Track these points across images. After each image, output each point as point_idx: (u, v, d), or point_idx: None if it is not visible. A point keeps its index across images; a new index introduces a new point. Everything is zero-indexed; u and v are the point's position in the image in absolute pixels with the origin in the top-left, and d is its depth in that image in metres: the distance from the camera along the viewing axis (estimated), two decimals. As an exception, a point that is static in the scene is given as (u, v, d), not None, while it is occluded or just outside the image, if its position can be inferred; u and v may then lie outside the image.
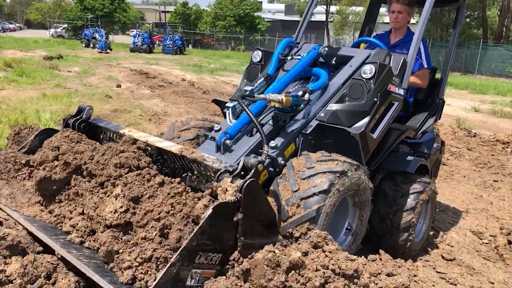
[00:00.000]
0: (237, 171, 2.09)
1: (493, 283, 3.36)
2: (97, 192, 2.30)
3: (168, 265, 1.76)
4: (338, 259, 1.81)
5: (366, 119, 2.85)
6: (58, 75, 13.92)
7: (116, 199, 2.13)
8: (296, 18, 56.34)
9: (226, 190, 1.99)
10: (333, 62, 3.33)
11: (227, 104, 3.10)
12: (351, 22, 41.15)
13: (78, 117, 3.14)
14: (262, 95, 2.75)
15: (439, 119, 4.08)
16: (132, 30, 49.81)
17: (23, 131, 3.67)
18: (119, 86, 12.58)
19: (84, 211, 2.23)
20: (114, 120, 7.79)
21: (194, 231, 1.84)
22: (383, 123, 3.03)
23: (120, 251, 1.94)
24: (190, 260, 1.83)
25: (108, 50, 29.31)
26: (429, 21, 33.17)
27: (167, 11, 59.31)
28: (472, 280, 3.38)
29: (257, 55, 3.57)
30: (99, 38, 31.12)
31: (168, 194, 2.13)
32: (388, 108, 3.06)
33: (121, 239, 2.02)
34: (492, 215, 4.81)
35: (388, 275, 2.10)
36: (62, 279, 1.75)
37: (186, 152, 2.34)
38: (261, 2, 57.61)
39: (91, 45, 31.85)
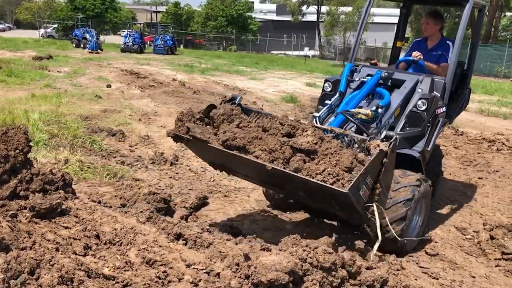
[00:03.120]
0: (382, 137, 3.06)
1: (474, 277, 3.44)
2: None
3: (358, 175, 2.71)
4: (317, 253, 1.86)
5: (423, 140, 3.94)
6: (48, 76, 13.85)
7: (308, 136, 3.06)
8: (287, 18, 56.44)
9: (378, 145, 2.92)
10: (389, 83, 4.19)
11: (314, 114, 3.92)
12: (341, 23, 41.28)
13: (232, 102, 3.70)
14: (355, 110, 3.72)
15: (467, 104, 4.98)
16: (123, 30, 49.56)
17: (10, 131, 3.68)
18: (109, 86, 12.55)
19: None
20: (103, 120, 7.80)
21: (369, 161, 2.81)
22: (434, 136, 4.11)
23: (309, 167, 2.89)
24: (364, 178, 2.77)
25: (99, 50, 29.17)
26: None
27: (159, 11, 59.07)
28: (454, 274, 3.45)
29: (328, 86, 4.41)
30: (90, 38, 30.95)
31: (338, 145, 3.05)
32: (437, 125, 4.14)
33: (308, 160, 2.98)
34: (476, 211, 4.90)
35: (368, 268, 2.16)
36: (45, 274, 1.78)
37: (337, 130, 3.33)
38: (252, 2, 57.65)
39: (82, 45, 31.67)
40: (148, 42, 41.90)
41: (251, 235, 3.43)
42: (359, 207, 2.80)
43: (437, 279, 3.31)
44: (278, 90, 15.00)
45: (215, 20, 52.49)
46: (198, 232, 2.54)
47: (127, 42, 32.36)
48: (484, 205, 5.11)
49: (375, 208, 2.87)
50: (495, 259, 3.79)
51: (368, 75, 4.28)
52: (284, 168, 2.89)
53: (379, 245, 2.94)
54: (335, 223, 4.18)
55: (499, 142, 7.99)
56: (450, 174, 6.17)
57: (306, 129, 3.17)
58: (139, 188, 4.15)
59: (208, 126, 3.49)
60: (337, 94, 4.11)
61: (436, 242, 4.03)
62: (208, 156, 3.70)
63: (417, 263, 3.54)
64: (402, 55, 5.26)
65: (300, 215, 4.33)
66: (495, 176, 6.28)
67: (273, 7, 73.78)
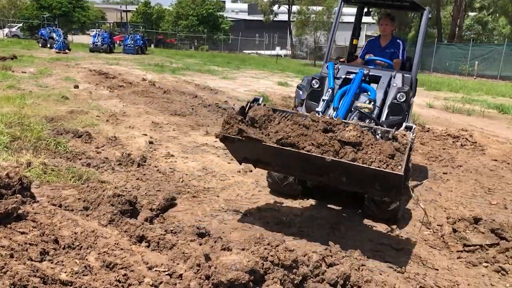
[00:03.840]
0: (403, 128, 3.59)
1: (437, 269, 3.52)
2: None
3: (405, 159, 3.22)
4: (278, 251, 1.86)
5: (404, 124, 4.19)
6: (12, 76, 13.40)
7: (351, 131, 3.43)
8: (259, 17, 56.54)
9: (404, 134, 3.43)
10: (367, 79, 4.68)
11: (317, 109, 4.30)
12: (312, 22, 41.64)
13: (257, 103, 4.00)
14: (364, 104, 4.36)
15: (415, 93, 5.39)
16: (92, 29, 48.51)
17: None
18: (76, 87, 12.25)
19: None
20: (69, 122, 7.61)
21: (408, 148, 3.33)
22: (409, 116, 4.97)
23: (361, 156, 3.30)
24: (408, 161, 3.29)
25: (67, 50, 28.48)
26: (401, 18, 33.88)
27: (129, 11, 58.22)
28: (418, 267, 3.53)
29: (316, 83, 4.83)
30: (57, 37, 30.20)
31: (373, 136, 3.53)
32: (409, 113, 4.88)
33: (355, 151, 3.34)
34: (440, 205, 5.02)
35: (331, 265, 2.17)
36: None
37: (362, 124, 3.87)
38: (224, 2, 57.46)
39: (48, 45, 30.85)
40: (118, 42, 41.15)
41: (219, 235, 3.42)
42: (403, 185, 3.34)
43: (402, 273, 3.37)
44: (250, 90, 15.00)
45: (186, 19, 52.06)
46: (161, 234, 2.50)
47: (96, 42, 31.71)
48: (448, 199, 5.25)
49: (409, 184, 3.53)
50: (457, 251, 3.89)
51: (348, 72, 4.77)
52: (341, 159, 3.32)
53: (377, 216, 4.18)
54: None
55: (463, 138, 8.22)
56: (416, 170, 6.31)
57: (347, 125, 3.58)
58: (104, 191, 4.06)
59: (250, 127, 3.69)
60: (330, 91, 4.53)
61: (401, 236, 4.11)
62: (253, 154, 3.85)
63: (382, 258, 3.60)
64: (358, 52, 5.89)
65: (289, 202, 4.35)
66: (459, 170, 6.46)
67: (245, 6, 73.79)
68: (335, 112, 4.28)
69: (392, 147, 3.37)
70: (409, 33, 36.48)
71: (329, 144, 3.38)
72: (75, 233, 2.37)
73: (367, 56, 5.39)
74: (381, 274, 3.22)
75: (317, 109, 4.32)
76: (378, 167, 3.22)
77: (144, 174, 5.21)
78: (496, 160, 7.10)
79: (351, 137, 3.41)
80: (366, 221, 4.38)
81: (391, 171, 3.20)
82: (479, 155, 7.39)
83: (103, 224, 2.63)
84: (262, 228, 3.94)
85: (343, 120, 3.72)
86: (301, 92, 5.91)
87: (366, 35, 34.46)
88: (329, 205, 4.73)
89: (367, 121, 4.31)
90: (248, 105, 3.90)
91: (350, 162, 3.27)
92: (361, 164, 3.25)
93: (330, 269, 2.09)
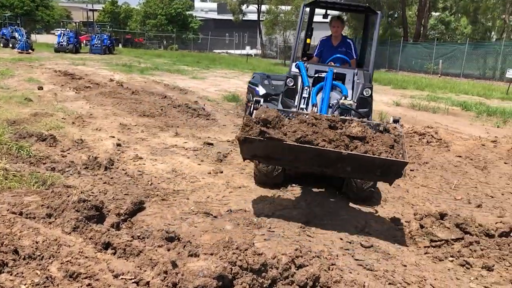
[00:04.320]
0: (392, 121, 4.16)
1: (405, 265, 3.58)
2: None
3: (404, 148, 3.80)
4: (246, 255, 1.83)
5: (370, 117, 4.83)
6: (-30, 78, 12.88)
7: (356, 127, 3.90)
8: (228, 17, 56.38)
9: (395, 127, 4.00)
10: (334, 77, 5.07)
11: (301, 106, 4.90)
12: (281, 21, 41.86)
13: (260, 104, 4.25)
14: (347, 101, 4.74)
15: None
16: (57, 29, 47.17)
17: None
18: (40, 88, 11.88)
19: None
20: (33, 125, 7.36)
21: (403, 138, 3.94)
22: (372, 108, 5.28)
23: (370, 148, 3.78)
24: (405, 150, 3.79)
25: (30, 50, 27.63)
26: (356, 20, 34.75)
27: (95, 10, 56.85)
28: (387, 264, 3.58)
29: (290, 81, 5.14)
30: (19, 37, 29.26)
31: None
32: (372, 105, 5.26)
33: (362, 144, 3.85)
34: (407, 202, 5.13)
35: (300, 266, 2.17)
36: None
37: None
38: (193, 1, 56.98)
39: (10, 45, 29.84)
40: (84, 42, 40.21)
41: (188, 238, 3.37)
42: (403, 171, 3.92)
43: (371, 270, 3.41)
44: (220, 89, 14.92)
45: (154, 18, 51.36)
46: (128, 240, 2.43)
47: (61, 42, 30.89)
48: (415, 196, 5.37)
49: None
50: (425, 247, 3.98)
51: (316, 71, 5.21)
52: (352, 151, 3.74)
53: (354, 197, 4.85)
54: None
55: (429, 135, 8.44)
56: (384, 167, 6.43)
57: (351, 121, 4.02)
58: (69, 196, 3.93)
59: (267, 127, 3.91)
60: (307, 89, 4.97)
61: (370, 234, 4.17)
62: (267, 151, 4.02)
63: (352, 256, 3.63)
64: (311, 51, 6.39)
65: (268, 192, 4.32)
66: (425, 167, 6.62)
67: (214, 5, 73.41)
68: (315, 108, 4.70)
69: (391, 138, 3.88)
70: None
71: (339, 139, 3.82)
72: (36, 242, 2.28)
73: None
74: (351, 273, 3.25)
75: (301, 105, 4.85)
76: (387, 157, 3.70)
77: (112, 178, 5.09)
78: (460, 156, 7.32)
79: (358, 132, 3.88)
80: (336, 219, 4.42)
81: (399, 160, 3.71)
82: (444, 152, 7.60)
83: (66, 231, 2.54)
84: (233, 230, 3.92)
85: (341, 117, 4.16)
86: (257, 88, 6.44)
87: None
88: (313, 189, 5.25)
89: (348, 114, 4.74)
90: (252, 106, 4.13)
91: (363, 154, 3.71)
92: (372, 155, 3.71)
93: (299, 271, 2.08)
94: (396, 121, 4.17)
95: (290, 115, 4.16)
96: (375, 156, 3.71)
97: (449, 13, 39.53)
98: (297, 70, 5.24)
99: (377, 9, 36.29)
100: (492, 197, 5.49)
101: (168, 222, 4.02)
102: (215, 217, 4.22)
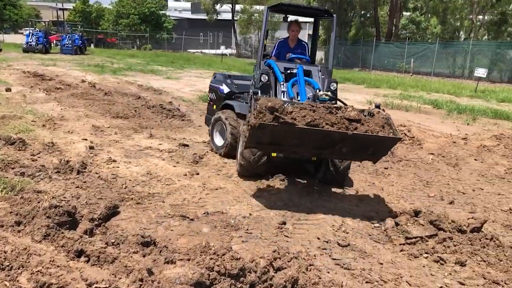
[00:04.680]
0: (374, 106, 4.75)
1: (382, 263, 3.62)
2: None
3: (394, 127, 4.42)
4: (224, 260, 1.81)
5: (373, 104, 5.30)
6: None
7: (352, 111, 4.44)
8: (202, 16, 56.05)
9: (379, 111, 4.56)
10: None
11: (285, 100, 4.97)
12: (256, 21, 41.89)
13: (259, 95, 4.79)
14: (324, 93, 5.16)
15: None
16: (26, 28, 45.83)
17: None
18: (8, 90, 11.52)
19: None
20: (1, 128, 7.11)
21: (390, 117, 4.53)
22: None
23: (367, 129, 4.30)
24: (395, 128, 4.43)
25: (-3, 51, 26.71)
26: (331, 21, 35.27)
27: (65, 9, 55.53)
28: (364, 263, 3.61)
29: (264, 78, 5.45)
30: (-15, 37, 28.23)
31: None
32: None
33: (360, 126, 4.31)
34: (383, 200, 5.19)
35: (278, 269, 2.15)
36: None
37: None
38: (166, 0, 56.34)
39: (-24, 46, 28.77)
40: (55, 42, 39.26)
41: (165, 243, 3.32)
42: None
43: (349, 269, 3.43)
44: (195, 89, 14.81)
45: (127, 18, 50.55)
46: (101, 247, 2.36)
47: (30, 42, 30.10)
48: (389, 194, 5.45)
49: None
50: (400, 244, 4.03)
51: (285, 68, 5.63)
52: (354, 131, 4.24)
53: (331, 181, 5.44)
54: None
55: (402, 133, 8.59)
56: (359, 166, 6.50)
57: (347, 107, 4.56)
58: (39, 202, 3.81)
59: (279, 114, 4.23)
60: (284, 84, 5.37)
61: (347, 233, 4.20)
62: (276, 137, 4.37)
63: (329, 255, 3.65)
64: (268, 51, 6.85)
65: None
66: (399, 165, 6.74)
67: (188, 5, 72.82)
68: (294, 101, 5.01)
69: (381, 120, 4.43)
70: (349, 33, 37.66)
71: (340, 122, 4.29)
72: (5, 252, 2.18)
73: (289, 55, 6.23)
74: (328, 273, 3.27)
75: (283, 98, 5.22)
76: (384, 135, 4.29)
77: (85, 182, 4.96)
78: (432, 154, 7.48)
79: (355, 116, 4.39)
80: (313, 218, 4.44)
81: (395, 136, 4.34)
82: (417, 149, 7.76)
83: (37, 240, 2.45)
84: (210, 233, 3.88)
85: (335, 105, 4.78)
86: (221, 87, 6.91)
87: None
88: (297, 179, 5.59)
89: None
90: (253, 98, 4.56)
91: (365, 133, 4.24)
92: (372, 134, 4.26)
93: (278, 274, 2.07)
94: (377, 106, 4.76)
95: (286, 104, 4.47)
96: (375, 134, 4.26)
97: (419, 13, 40.38)
98: (267, 68, 5.64)
99: (350, 9, 36.85)
100: (464, 193, 5.62)
101: (144, 226, 3.94)
102: (191, 220, 4.17)
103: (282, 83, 5.42)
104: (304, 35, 51.26)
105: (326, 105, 4.55)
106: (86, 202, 4.32)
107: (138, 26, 50.10)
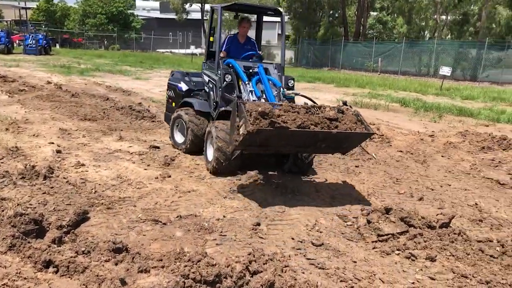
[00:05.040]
0: (342, 104, 5.13)
1: (355, 262, 3.66)
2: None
3: (366, 122, 4.82)
4: (199, 267, 1.78)
5: (340, 101, 5.52)
6: None
7: (331, 111, 4.76)
8: (172, 16, 55.40)
9: (348, 108, 4.93)
10: None
11: (253, 98, 5.39)
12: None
13: (242, 100, 4.85)
14: (289, 91, 5.54)
15: None
16: (-14, 28, 44.11)
17: None
18: (-33, 92, 11.05)
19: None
20: (-40, 133, 6.80)
21: (359, 114, 4.94)
22: None
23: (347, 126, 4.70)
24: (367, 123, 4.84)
25: (-45, 51, 25.58)
26: (299, 20, 35.38)
27: (28, 8, 53.66)
28: (338, 261, 3.64)
29: (228, 78, 5.70)
30: None
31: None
32: None
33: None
34: (354, 198, 5.26)
35: (254, 273, 2.14)
36: None
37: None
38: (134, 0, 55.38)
39: None
40: (17, 42, 37.97)
41: (137, 249, 3.25)
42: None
43: (323, 268, 3.45)
44: (165, 90, 14.59)
45: (94, 17, 49.40)
46: (71, 256, 2.28)
47: (-9, 42, 28.90)
48: (361, 191, 5.52)
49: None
50: (372, 242, 4.09)
51: (245, 67, 5.80)
52: (335, 129, 4.60)
53: (298, 171, 5.81)
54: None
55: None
56: (331, 165, 6.57)
57: (325, 107, 4.85)
58: (3, 210, 3.65)
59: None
60: (249, 83, 5.54)
61: (321, 232, 4.23)
62: (266, 139, 4.52)
63: (304, 255, 3.66)
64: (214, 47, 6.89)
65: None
66: (369, 163, 6.85)
67: (156, 4, 71.83)
68: (262, 100, 5.28)
69: (353, 117, 4.80)
70: (318, 32, 38.08)
71: (323, 122, 4.57)
72: (-33, 265, 2.08)
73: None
74: (303, 273, 3.28)
75: (251, 98, 5.38)
76: (361, 131, 4.71)
77: (52, 187, 4.80)
78: (401, 151, 7.64)
79: (334, 115, 4.70)
80: (287, 218, 4.45)
81: (369, 132, 4.80)
82: (386, 147, 7.91)
83: (1, 251, 2.34)
84: (183, 237, 3.82)
85: (312, 104, 4.99)
86: (179, 85, 7.01)
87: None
88: (271, 172, 5.86)
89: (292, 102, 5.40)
90: (238, 104, 4.57)
91: (347, 131, 4.63)
92: (352, 131, 4.67)
93: (254, 278, 2.06)
94: (344, 103, 5.13)
95: (274, 107, 4.64)
96: (354, 131, 4.67)
97: (386, 13, 41.25)
98: (227, 67, 5.85)
99: (319, 9, 37.17)
100: (432, 189, 5.77)
101: (115, 232, 3.85)
102: (164, 224, 4.10)
103: (246, 82, 5.57)
104: (274, 34, 51.49)
105: (305, 105, 4.79)
106: (54, 209, 4.18)
107: (105, 26, 49.05)
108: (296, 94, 5.58)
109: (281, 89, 5.52)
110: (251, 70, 5.83)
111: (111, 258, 2.50)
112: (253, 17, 7.57)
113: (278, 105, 4.75)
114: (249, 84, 5.58)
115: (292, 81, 5.92)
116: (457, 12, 32.22)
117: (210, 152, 5.75)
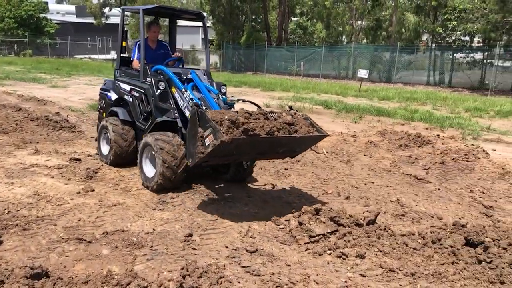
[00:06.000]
0: (288, 108, 5.26)
1: (290, 265, 3.68)
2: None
3: (317, 125, 5.01)
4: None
5: (287, 106, 5.82)
6: None
7: (287, 116, 4.84)
8: (89, 20, 52.90)
9: (295, 112, 5.12)
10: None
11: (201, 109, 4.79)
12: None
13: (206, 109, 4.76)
14: (231, 97, 5.58)
15: None
16: None
17: None
18: None
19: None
20: None
21: (309, 117, 5.13)
22: None
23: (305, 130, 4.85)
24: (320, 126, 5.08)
25: None
26: (222, 25, 35.46)
27: None
28: (273, 267, 3.63)
29: (162, 86, 5.52)
30: None
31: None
32: None
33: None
34: (286, 201, 5.32)
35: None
36: None
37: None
38: (46, 3, 52.01)
39: None
40: None
41: (59, 272, 2.99)
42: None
43: (258, 275, 3.42)
44: (85, 98, 13.88)
45: (1, 21, 45.72)
46: (-21, 290, 2.03)
47: None
48: (291, 194, 5.61)
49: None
50: (305, 243, 4.15)
51: (176, 73, 5.63)
52: (295, 133, 4.63)
53: (239, 178, 5.81)
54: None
55: (298, 134, 8.94)
56: (261, 169, 6.61)
57: (281, 112, 4.93)
58: None
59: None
60: (186, 91, 5.34)
61: (254, 237, 4.21)
62: (236, 148, 4.38)
63: (239, 264, 3.61)
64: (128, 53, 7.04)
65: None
66: (298, 165, 6.99)
67: (72, 8, 68.27)
68: (203, 107, 5.08)
69: (306, 121, 4.93)
70: (242, 37, 38.44)
71: (283, 127, 4.60)
72: None
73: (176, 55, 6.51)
74: (239, 282, 3.22)
75: (189, 106, 5.21)
76: (318, 134, 4.87)
77: (-44, 211, 4.30)
78: (327, 152, 7.90)
79: (291, 120, 4.74)
80: (220, 227, 4.38)
81: (324, 134, 5.00)
82: (313, 148, 8.13)
83: None
84: (110, 254, 3.59)
85: (269, 110, 4.99)
86: (108, 94, 6.81)
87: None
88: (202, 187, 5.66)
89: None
90: (199, 113, 4.40)
91: (307, 135, 4.73)
92: (311, 134, 4.79)
93: (188, 294, 1.96)
94: (290, 108, 5.29)
95: (237, 115, 4.56)
96: (314, 135, 4.83)
97: (306, 19, 42.73)
98: (155, 74, 5.70)
99: (241, 14, 37.54)
100: (357, 188, 6.02)
101: (33, 255, 3.52)
102: (89, 242, 3.83)
103: (183, 90, 5.37)
104: (198, 39, 51.14)
105: (262, 111, 4.79)
106: (-42, 235, 3.73)
107: (15, 31, 45.59)
108: (241, 100, 5.61)
109: (220, 96, 5.43)
110: (184, 77, 5.69)
111: (29, 285, 2.26)
112: (165, 21, 7.53)
113: (234, 112, 4.61)
114: (186, 92, 5.34)
115: (225, 88, 5.85)
116: (371, 17, 34.24)
117: (150, 169, 5.36)
